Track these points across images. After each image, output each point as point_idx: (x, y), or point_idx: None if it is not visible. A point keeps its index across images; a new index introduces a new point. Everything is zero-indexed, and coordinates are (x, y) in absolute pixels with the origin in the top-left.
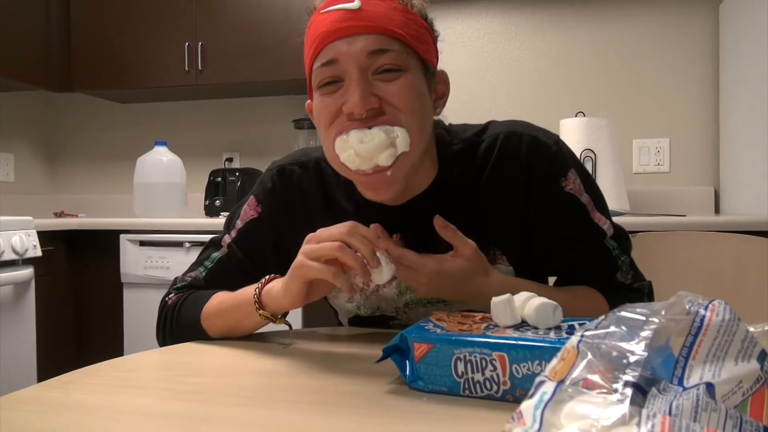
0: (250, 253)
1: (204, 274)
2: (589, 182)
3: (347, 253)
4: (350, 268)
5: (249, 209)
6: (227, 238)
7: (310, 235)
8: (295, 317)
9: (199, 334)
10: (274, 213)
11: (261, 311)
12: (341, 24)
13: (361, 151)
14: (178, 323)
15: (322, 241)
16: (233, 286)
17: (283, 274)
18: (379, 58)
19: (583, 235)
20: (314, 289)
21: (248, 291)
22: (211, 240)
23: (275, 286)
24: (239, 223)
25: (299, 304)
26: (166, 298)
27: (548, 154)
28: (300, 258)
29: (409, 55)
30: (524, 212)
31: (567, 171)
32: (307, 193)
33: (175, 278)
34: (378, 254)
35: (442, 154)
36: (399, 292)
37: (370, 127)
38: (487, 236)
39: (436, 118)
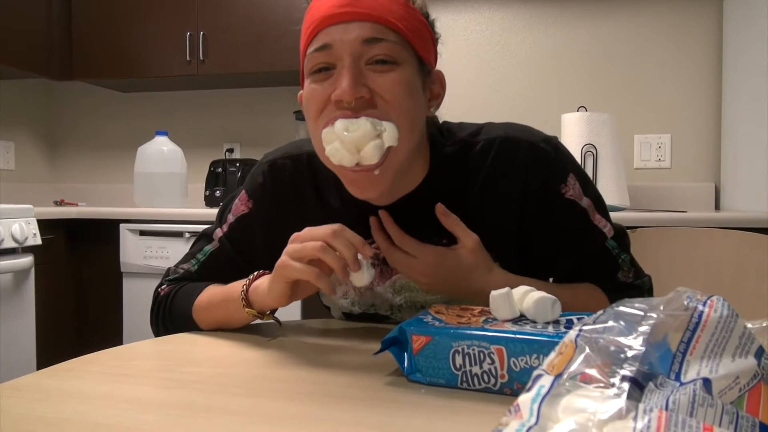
0: (241, 248)
1: (196, 267)
2: (588, 185)
3: (329, 254)
4: (332, 270)
5: (240, 204)
6: (219, 232)
7: (294, 235)
8: (294, 310)
9: (191, 326)
10: (264, 209)
11: (248, 309)
12: (338, 10)
13: (345, 140)
14: (171, 314)
15: (305, 241)
16: (225, 279)
17: (269, 273)
18: (373, 47)
19: (585, 239)
20: (299, 288)
21: (237, 287)
22: (203, 232)
23: (262, 283)
24: (230, 218)
25: (284, 303)
26: (159, 289)
27: (547, 162)
28: (283, 258)
29: (405, 48)
30: (521, 220)
31: (566, 177)
32: (299, 187)
33: (168, 269)
34: (359, 258)
35: (434, 155)
36: (394, 291)
37: (358, 117)
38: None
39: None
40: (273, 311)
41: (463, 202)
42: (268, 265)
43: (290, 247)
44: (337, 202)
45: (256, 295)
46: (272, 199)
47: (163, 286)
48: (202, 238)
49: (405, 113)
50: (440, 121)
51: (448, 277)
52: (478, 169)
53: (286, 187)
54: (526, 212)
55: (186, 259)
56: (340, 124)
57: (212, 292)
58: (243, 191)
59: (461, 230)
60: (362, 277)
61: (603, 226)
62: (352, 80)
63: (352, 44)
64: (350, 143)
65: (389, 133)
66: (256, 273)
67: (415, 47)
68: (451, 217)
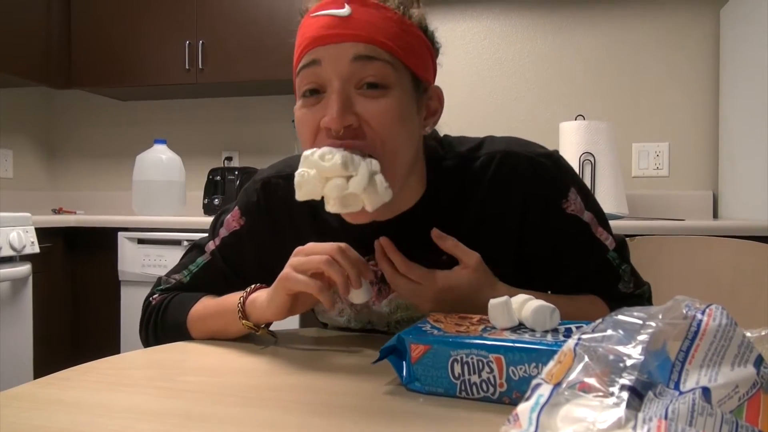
0: (232, 263)
1: (188, 278)
2: (589, 198)
3: (334, 268)
4: (334, 285)
5: (232, 220)
6: (211, 245)
7: (298, 248)
8: (292, 320)
9: (184, 336)
10: (257, 228)
11: (244, 321)
12: (328, 30)
13: (318, 168)
14: (163, 324)
15: (311, 255)
16: (217, 292)
17: (266, 286)
18: (363, 67)
19: (587, 254)
20: (299, 302)
21: (233, 298)
22: (195, 243)
23: (260, 296)
24: (223, 232)
25: (283, 317)
26: (150, 298)
27: (548, 178)
28: (287, 270)
29: (397, 68)
30: (521, 235)
31: (567, 192)
32: (293, 207)
33: (159, 278)
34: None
35: (433, 169)
36: (390, 311)
37: (339, 147)
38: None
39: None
40: (268, 325)
41: (462, 217)
42: (259, 282)
43: (294, 259)
44: (335, 221)
45: (253, 308)
46: (265, 217)
47: (154, 296)
48: (194, 249)
49: (393, 142)
50: (441, 134)
51: (454, 300)
52: (477, 183)
53: (279, 206)
54: (525, 227)
55: (178, 269)
56: (321, 151)
57: (206, 303)
58: (236, 207)
59: (461, 251)
60: (362, 295)
61: (605, 238)
62: (340, 107)
63: (341, 63)
64: (321, 173)
65: (358, 180)
66: (253, 286)
67: (409, 66)
68: (448, 240)
